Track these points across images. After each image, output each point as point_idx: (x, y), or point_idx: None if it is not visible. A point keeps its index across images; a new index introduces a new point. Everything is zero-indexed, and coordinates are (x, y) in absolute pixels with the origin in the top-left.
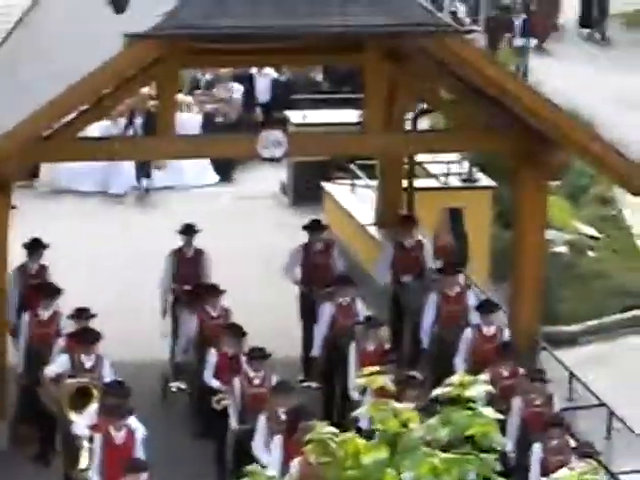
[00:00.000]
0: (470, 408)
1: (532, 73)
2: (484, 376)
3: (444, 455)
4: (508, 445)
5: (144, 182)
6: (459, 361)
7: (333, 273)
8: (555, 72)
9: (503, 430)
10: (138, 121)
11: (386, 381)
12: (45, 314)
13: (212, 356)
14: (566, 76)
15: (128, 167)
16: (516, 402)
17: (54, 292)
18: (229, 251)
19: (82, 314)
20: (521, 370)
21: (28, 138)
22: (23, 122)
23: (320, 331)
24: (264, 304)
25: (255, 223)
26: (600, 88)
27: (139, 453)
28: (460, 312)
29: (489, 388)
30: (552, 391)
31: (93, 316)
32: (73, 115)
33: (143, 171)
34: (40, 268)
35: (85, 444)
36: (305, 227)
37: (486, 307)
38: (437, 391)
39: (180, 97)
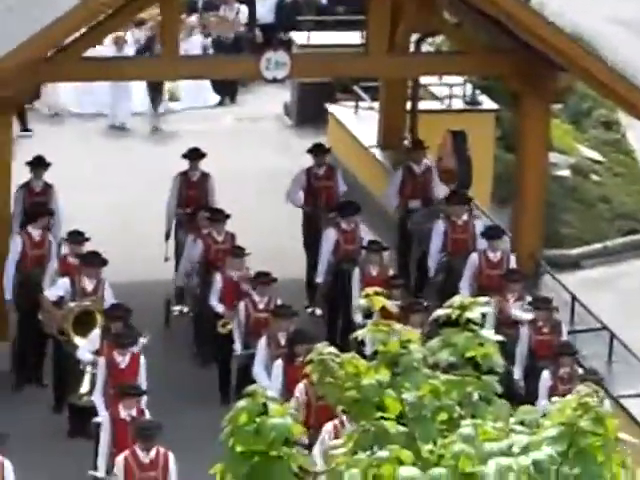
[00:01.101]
0: (471, 330)
1: None
2: (486, 298)
3: (445, 376)
4: (516, 372)
5: (158, 109)
6: (464, 286)
7: (336, 197)
8: None
9: (508, 356)
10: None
11: (388, 302)
12: (37, 235)
13: (217, 281)
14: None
15: (133, 94)
16: (524, 330)
17: (45, 212)
18: (231, 173)
19: (76, 237)
20: (528, 297)
21: (31, 58)
22: (25, 42)
23: (324, 257)
24: (267, 227)
25: (258, 145)
26: (601, 10)
27: (143, 378)
28: (467, 240)
29: (489, 310)
30: (560, 318)
31: (87, 239)
32: (76, 35)
33: (157, 100)
34: (45, 186)
35: (88, 369)
36: (308, 151)
37: (492, 233)
38: (438, 312)
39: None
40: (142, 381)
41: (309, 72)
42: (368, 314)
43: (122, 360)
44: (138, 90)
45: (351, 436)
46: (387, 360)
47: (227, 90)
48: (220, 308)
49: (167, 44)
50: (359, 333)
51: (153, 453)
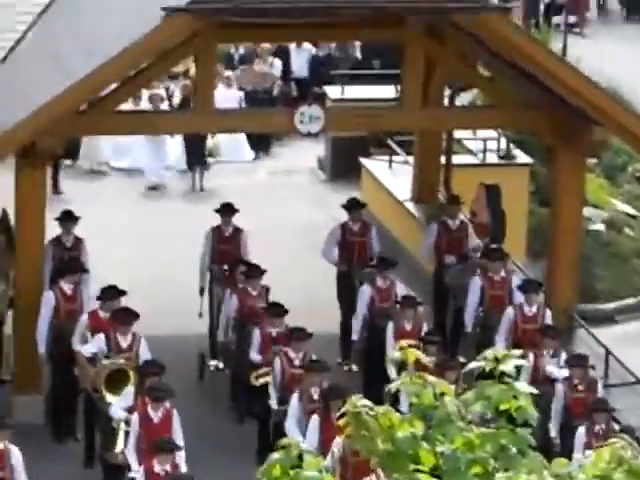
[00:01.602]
0: (505, 382)
1: (570, 51)
2: (520, 351)
3: (479, 429)
4: (552, 431)
5: (197, 172)
6: (499, 340)
7: (371, 253)
8: (593, 51)
9: (544, 413)
10: None
11: (421, 355)
12: (69, 289)
13: (257, 336)
14: (604, 55)
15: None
16: (559, 387)
17: (79, 268)
18: (265, 227)
19: (110, 293)
20: (563, 354)
21: (64, 112)
22: (59, 96)
23: (359, 314)
24: (301, 282)
25: (292, 199)
26: (638, 66)
27: (177, 433)
28: (504, 296)
29: (523, 362)
30: (596, 376)
31: (123, 293)
32: (110, 89)
33: (196, 157)
34: (75, 240)
35: (122, 426)
36: (343, 206)
37: (529, 287)
38: (472, 365)
39: (221, 72)
40: (177, 436)
41: (343, 126)
42: (402, 367)
43: (155, 415)
44: (175, 148)
45: None
46: (421, 412)
47: (261, 144)
48: (258, 357)
49: (201, 98)
50: (392, 385)
51: (168, 467)
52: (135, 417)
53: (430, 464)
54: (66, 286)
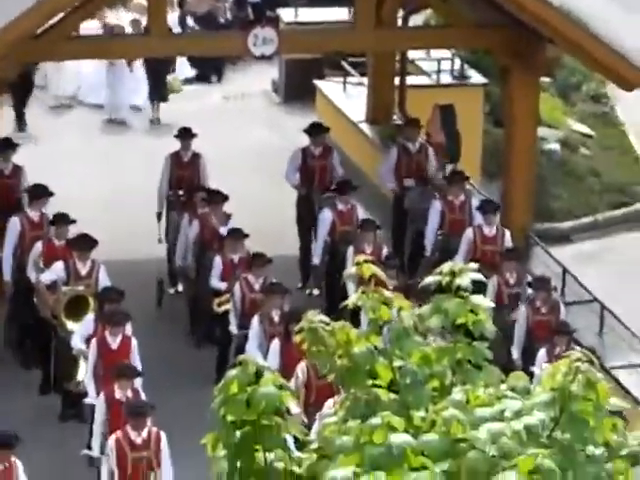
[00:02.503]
0: (461, 296)
1: None
2: (475, 265)
3: (435, 343)
4: (514, 353)
5: (156, 104)
6: (459, 261)
7: (332, 177)
8: None
9: (506, 337)
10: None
11: (378, 270)
12: (35, 216)
13: (217, 263)
14: None
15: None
16: (522, 310)
17: (45, 193)
18: (221, 150)
19: (61, 219)
20: (527, 277)
21: (18, 38)
22: (13, 21)
23: (320, 238)
24: (258, 206)
25: (247, 122)
26: None
27: (135, 359)
28: (464, 220)
29: (479, 276)
30: (559, 299)
31: (73, 222)
32: (64, 13)
33: (157, 93)
34: (14, 168)
35: (83, 356)
36: (305, 130)
37: (488, 207)
38: (429, 279)
39: None
40: (135, 362)
41: (297, 48)
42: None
43: (113, 341)
44: (137, 84)
45: (342, 404)
46: (378, 327)
47: (214, 68)
48: (222, 285)
49: (155, 22)
50: (350, 301)
51: (145, 433)
52: (93, 343)
53: (387, 379)
54: (32, 213)
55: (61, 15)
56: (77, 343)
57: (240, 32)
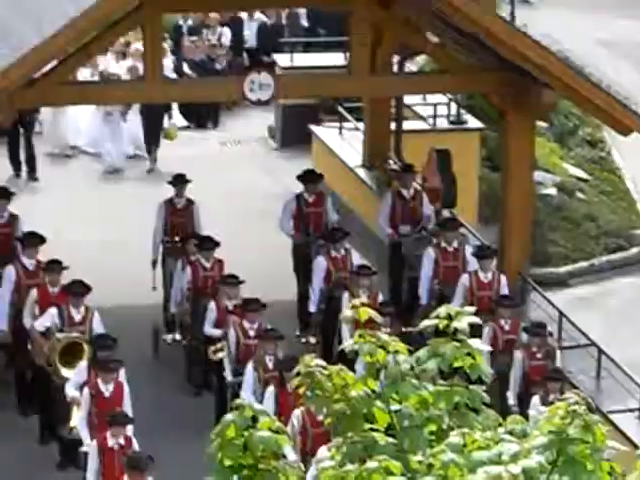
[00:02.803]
0: (458, 340)
1: (518, 17)
2: (472, 308)
3: (433, 387)
4: (510, 398)
5: (153, 153)
6: (455, 306)
7: (326, 224)
8: (541, 18)
9: (503, 382)
10: None
11: (374, 312)
12: (30, 264)
13: (212, 309)
14: (554, 23)
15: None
16: (517, 355)
17: (38, 241)
18: (217, 196)
19: (54, 266)
20: (521, 323)
21: (13, 84)
22: (7, 67)
23: (316, 286)
24: (254, 250)
25: (243, 168)
26: (586, 32)
27: (127, 406)
28: (458, 267)
29: (476, 320)
30: (555, 345)
31: (65, 268)
32: (60, 60)
33: (153, 141)
34: (10, 217)
35: (76, 402)
36: (299, 177)
37: (483, 253)
38: (426, 323)
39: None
40: (127, 409)
41: (293, 93)
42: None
43: (106, 389)
44: (132, 134)
45: (339, 448)
46: (375, 371)
47: (210, 115)
48: (216, 332)
49: (150, 67)
50: (346, 345)
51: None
52: (86, 390)
53: (385, 423)
54: (27, 261)
55: (57, 62)
56: (70, 390)
57: (236, 78)
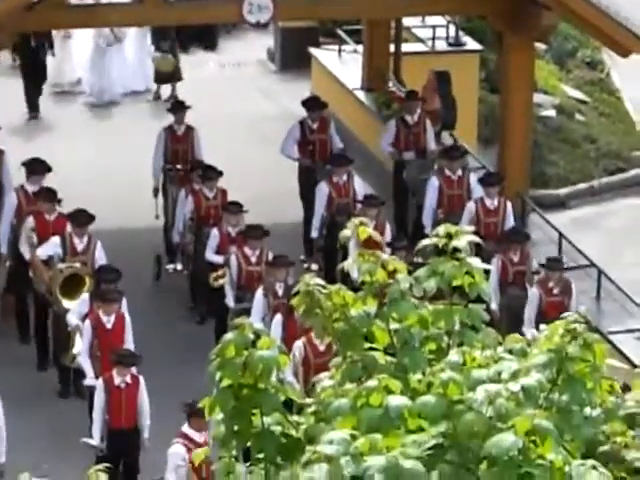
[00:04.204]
0: (457, 258)
1: None
2: (471, 228)
3: (432, 306)
4: (527, 334)
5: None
6: (428, 206)
7: (330, 150)
8: None
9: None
10: None
11: (373, 232)
12: (34, 188)
13: (214, 236)
14: None
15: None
16: (534, 291)
17: (42, 168)
18: (217, 119)
19: (49, 195)
20: (531, 254)
21: (13, 7)
22: None
23: (318, 212)
24: (255, 173)
25: (242, 90)
26: None
27: (129, 338)
28: (462, 195)
29: (475, 238)
30: (570, 279)
31: (59, 200)
32: None
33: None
34: None
35: (77, 332)
36: (303, 104)
37: (489, 180)
38: (425, 242)
39: None
40: (129, 341)
41: (292, 15)
42: None
43: (108, 320)
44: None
45: (339, 367)
46: (374, 290)
47: (208, 37)
48: (217, 258)
49: None
50: (346, 263)
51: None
52: (87, 322)
53: (384, 342)
54: (30, 187)
55: None
56: (72, 319)
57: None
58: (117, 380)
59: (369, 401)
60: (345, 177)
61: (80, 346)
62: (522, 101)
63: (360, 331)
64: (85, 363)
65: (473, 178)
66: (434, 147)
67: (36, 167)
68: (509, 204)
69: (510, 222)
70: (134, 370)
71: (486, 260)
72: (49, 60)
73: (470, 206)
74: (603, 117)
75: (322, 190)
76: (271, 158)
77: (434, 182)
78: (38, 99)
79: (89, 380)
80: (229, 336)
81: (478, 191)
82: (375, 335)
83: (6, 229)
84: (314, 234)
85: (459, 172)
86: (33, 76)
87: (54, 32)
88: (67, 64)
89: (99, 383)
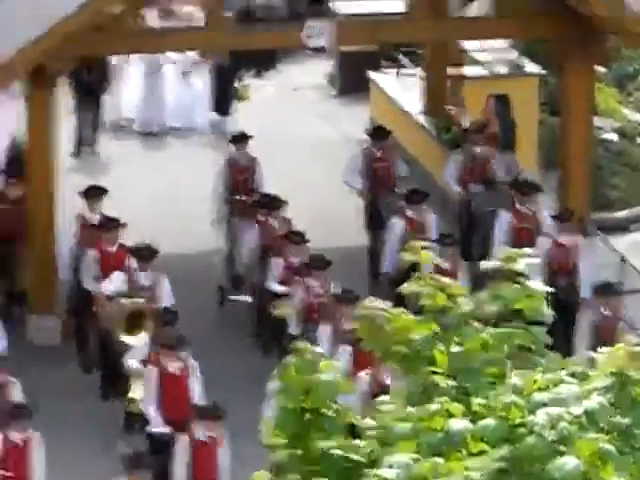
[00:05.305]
0: (518, 282)
1: None
2: (529, 250)
3: (493, 329)
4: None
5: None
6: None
7: (396, 180)
8: None
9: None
10: None
11: (436, 257)
12: (94, 218)
13: (277, 265)
14: None
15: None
16: (586, 313)
17: (101, 193)
18: (277, 143)
19: (112, 224)
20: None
21: (74, 32)
22: (68, 16)
23: (391, 248)
24: (318, 198)
25: (302, 114)
26: None
27: (196, 386)
28: (533, 231)
29: (537, 260)
30: (624, 302)
31: (122, 225)
32: (121, 8)
33: (224, 103)
34: None
35: (139, 373)
36: (367, 133)
37: (562, 216)
38: (485, 264)
39: None
40: (195, 386)
41: (352, 39)
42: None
43: (173, 367)
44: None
45: (401, 390)
46: (435, 314)
47: (268, 61)
48: (280, 288)
49: (212, 14)
50: (405, 287)
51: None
52: (153, 369)
53: (445, 366)
54: (88, 214)
55: (114, 10)
56: (132, 362)
57: (295, 23)
58: (199, 434)
59: (430, 424)
60: (420, 212)
61: (139, 391)
62: (583, 124)
63: (421, 354)
64: (151, 411)
65: (545, 213)
66: (503, 175)
67: (93, 192)
68: (581, 240)
69: (585, 259)
70: (220, 428)
71: (563, 301)
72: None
73: (542, 241)
74: None
75: (396, 225)
76: (333, 182)
77: (504, 216)
78: (96, 134)
79: (157, 428)
80: (290, 360)
81: (549, 227)
82: (436, 359)
83: (66, 255)
84: (386, 269)
85: (532, 207)
86: (91, 112)
87: (112, 66)
88: (122, 99)
89: (183, 441)
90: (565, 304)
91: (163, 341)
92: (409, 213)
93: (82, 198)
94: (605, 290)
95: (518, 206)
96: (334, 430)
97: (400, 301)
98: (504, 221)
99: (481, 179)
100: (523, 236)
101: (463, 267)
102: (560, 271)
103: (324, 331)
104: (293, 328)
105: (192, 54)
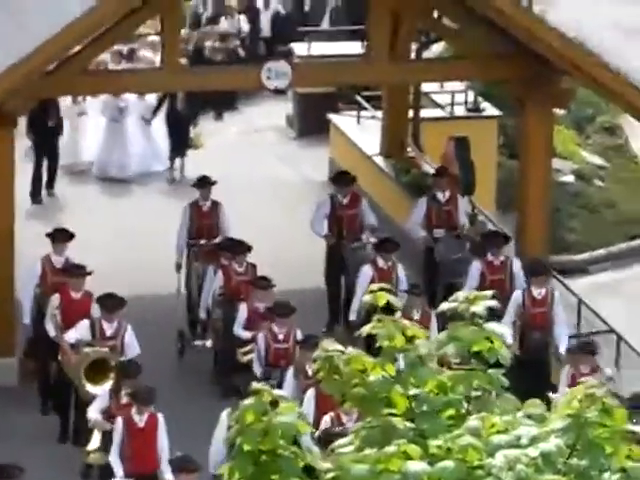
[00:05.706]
0: (476, 324)
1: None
2: (490, 292)
3: (450, 371)
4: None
5: (177, 163)
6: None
7: (361, 227)
8: (559, 3)
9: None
10: None
11: (393, 298)
12: (58, 261)
13: (242, 311)
14: (570, 7)
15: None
16: (564, 372)
17: (67, 237)
18: (236, 186)
19: (78, 271)
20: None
21: (32, 72)
22: (27, 56)
23: (358, 295)
24: (274, 239)
25: (262, 156)
26: (603, 17)
27: (163, 437)
28: (505, 281)
29: (495, 303)
30: (602, 366)
31: (89, 273)
32: (78, 49)
33: (179, 150)
34: None
35: (100, 425)
36: (331, 180)
37: (537, 268)
38: (444, 306)
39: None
40: (163, 440)
41: (311, 81)
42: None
43: (140, 419)
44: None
45: (358, 432)
46: (392, 356)
47: (227, 103)
48: (246, 334)
49: (169, 56)
50: (364, 329)
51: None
52: (119, 421)
53: (403, 407)
54: (55, 257)
55: (73, 51)
56: (93, 414)
57: (253, 65)
58: None
59: (388, 466)
60: (390, 263)
61: (97, 443)
62: (541, 167)
63: (379, 396)
64: (116, 462)
65: (517, 264)
66: (465, 221)
67: (59, 235)
68: (557, 294)
69: (559, 312)
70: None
71: (536, 351)
72: (61, 140)
73: (517, 296)
74: (622, 183)
75: (366, 274)
76: (293, 225)
77: (476, 266)
78: (54, 180)
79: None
80: (247, 402)
81: (520, 277)
82: (394, 400)
83: (29, 299)
84: (352, 317)
85: (502, 257)
86: (47, 157)
87: (66, 110)
88: (80, 143)
89: None
90: (537, 358)
91: (133, 395)
92: (380, 263)
93: (49, 240)
94: (583, 348)
95: (490, 257)
96: (291, 472)
97: (369, 348)
98: (475, 270)
99: (446, 225)
100: (495, 286)
101: (432, 316)
102: (534, 325)
103: (289, 379)
104: (257, 372)
105: (151, 98)
